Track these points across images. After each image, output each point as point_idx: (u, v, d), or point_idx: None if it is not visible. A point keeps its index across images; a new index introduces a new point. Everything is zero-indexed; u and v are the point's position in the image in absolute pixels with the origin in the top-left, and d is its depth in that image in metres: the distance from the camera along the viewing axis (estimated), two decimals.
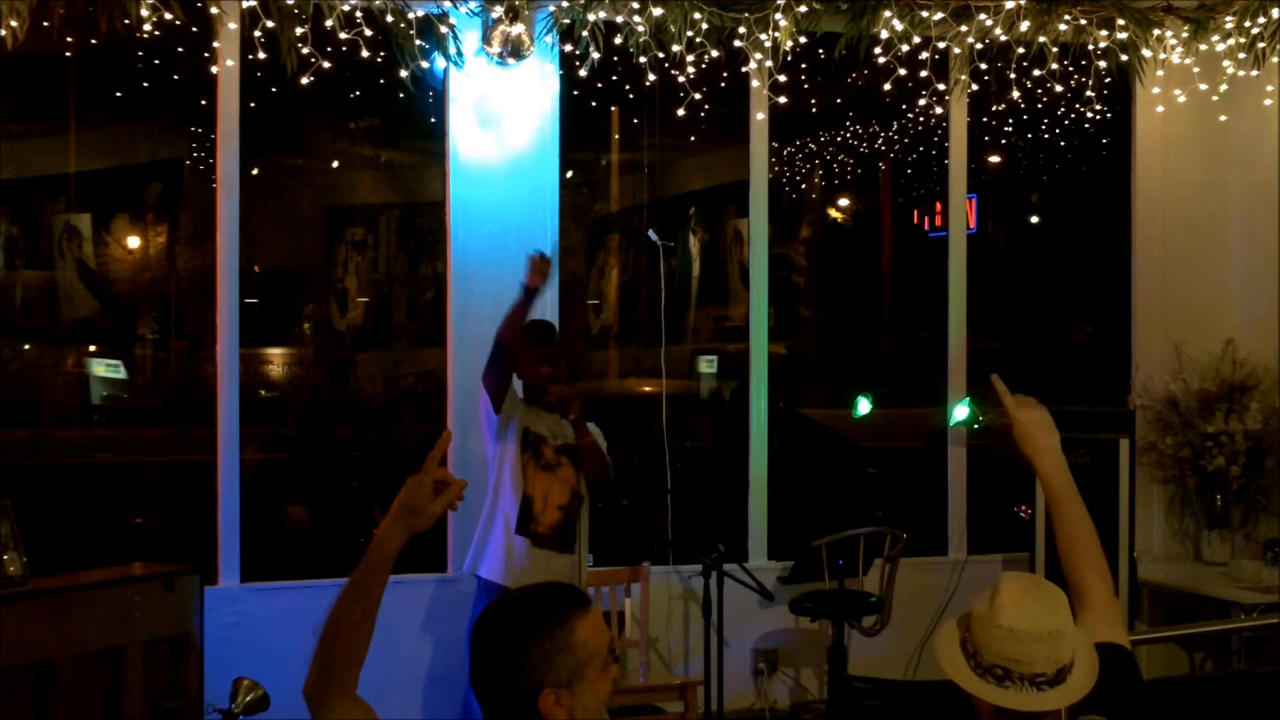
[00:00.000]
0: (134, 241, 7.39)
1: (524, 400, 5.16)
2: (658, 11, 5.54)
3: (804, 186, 8.67)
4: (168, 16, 5.03)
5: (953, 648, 2.32)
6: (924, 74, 5.79)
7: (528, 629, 2.16)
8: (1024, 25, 5.81)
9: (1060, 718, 2.29)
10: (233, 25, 5.22)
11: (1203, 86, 6.27)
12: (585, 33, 5.56)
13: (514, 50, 5.61)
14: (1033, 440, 2.65)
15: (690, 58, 5.61)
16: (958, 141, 6.60)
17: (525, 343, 5.13)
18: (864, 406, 6.64)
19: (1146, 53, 6.13)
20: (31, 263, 7.21)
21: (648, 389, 7.22)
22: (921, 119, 7.11)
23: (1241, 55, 6.12)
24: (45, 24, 5.05)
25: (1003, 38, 5.94)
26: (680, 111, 5.70)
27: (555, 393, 5.04)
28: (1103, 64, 6.04)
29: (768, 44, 5.66)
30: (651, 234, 6.35)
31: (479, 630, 2.21)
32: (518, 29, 5.56)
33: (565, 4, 5.58)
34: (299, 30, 5.14)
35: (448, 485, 2.27)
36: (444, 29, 5.47)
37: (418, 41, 5.38)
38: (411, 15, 5.36)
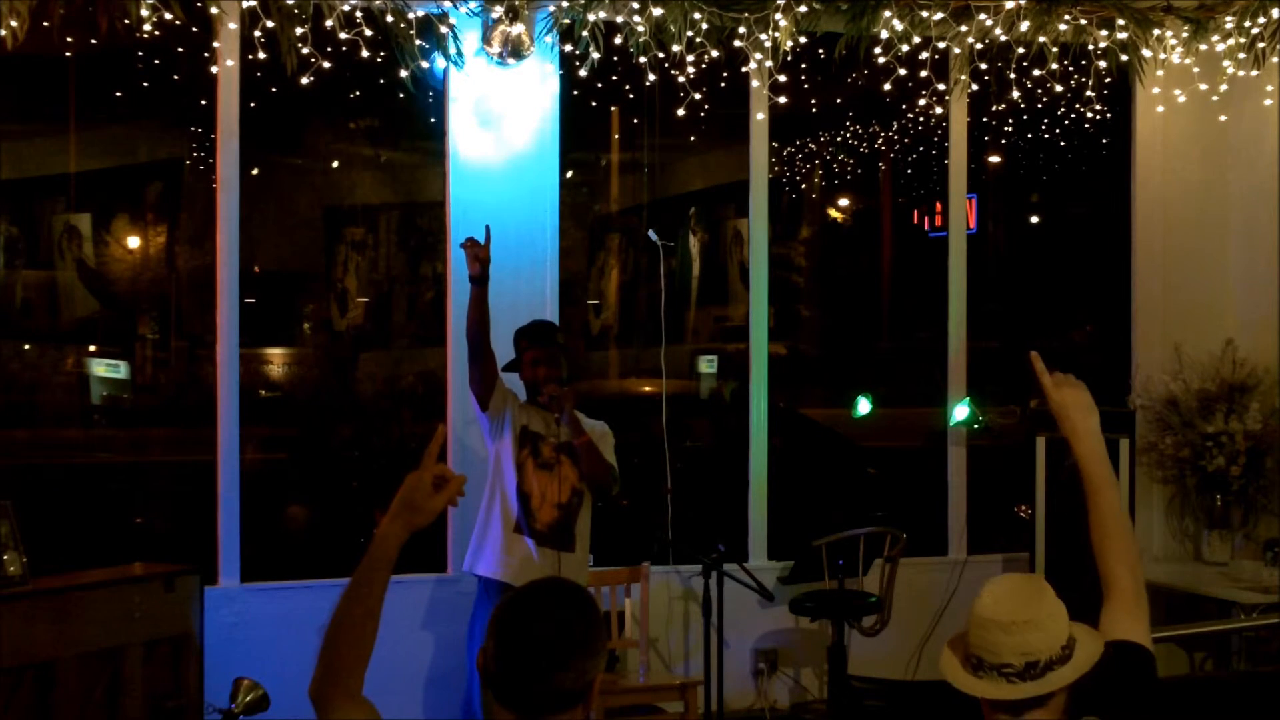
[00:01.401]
0: (134, 241, 7.39)
1: (525, 398, 5.16)
2: (658, 11, 5.54)
3: (804, 186, 8.67)
4: (168, 16, 5.03)
5: (956, 644, 2.36)
6: (924, 74, 5.79)
7: (596, 621, 2.12)
8: (1024, 25, 5.81)
9: (1060, 717, 2.30)
10: (233, 25, 5.22)
11: (1203, 86, 6.27)
12: (585, 33, 5.56)
13: (514, 50, 5.61)
14: (1070, 422, 2.59)
15: (690, 58, 5.61)
16: (958, 141, 6.60)
17: (523, 341, 5.12)
18: (864, 406, 6.64)
19: (1146, 53, 6.13)
20: (31, 263, 7.21)
21: (648, 389, 7.23)
22: (921, 119, 7.11)
23: (1241, 55, 6.12)
24: (45, 24, 5.05)
25: (1003, 38, 5.94)
26: (680, 111, 5.70)
27: (547, 393, 5.02)
28: (1103, 64, 6.04)
29: (768, 44, 5.66)
30: (651, 234, 6.35)
31: (532, 635, 2.07)
32: (518, 29, 5.56)
33: (565, 4, 5.58)
34: (299, 30, 5.14)
35: (447, 481, 2.26)
36: (444, 29, 5.47)
37: (418, 41, 5.38)
38: (411, 15, 5.36)
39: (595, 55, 5.59)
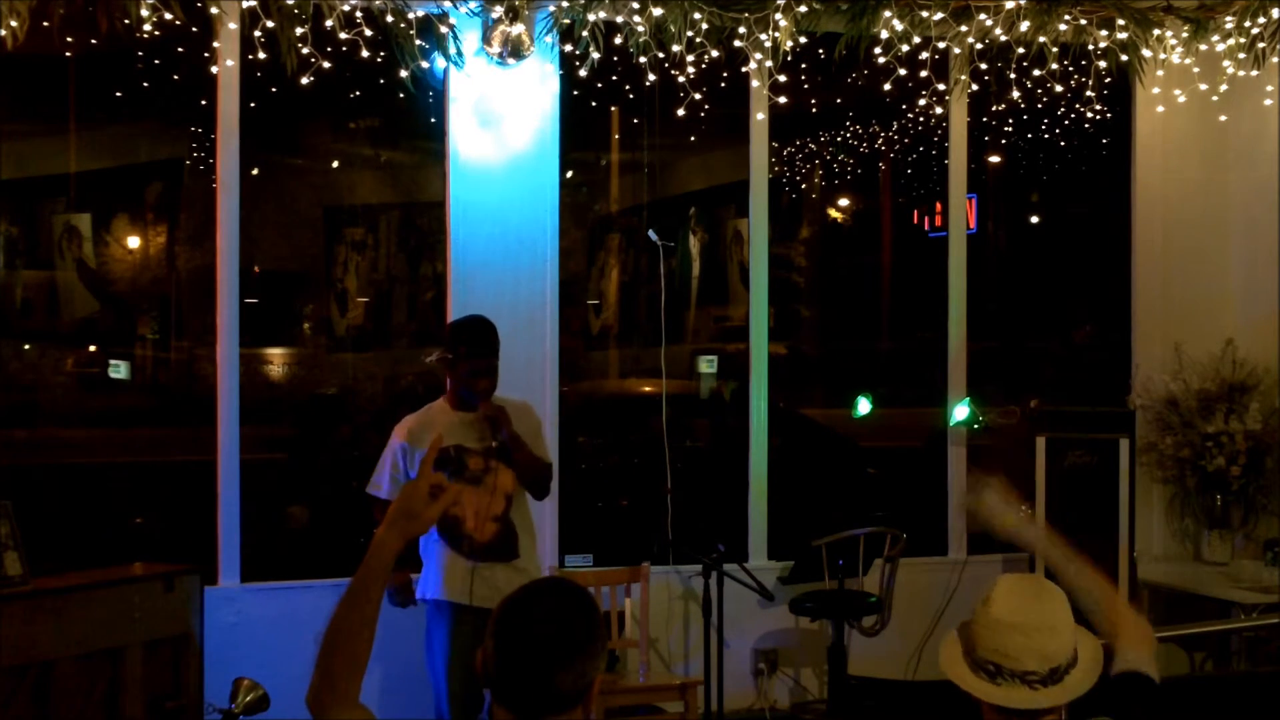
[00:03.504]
0: (134, 241, 7.39)
1: (446, 407, 4.90)
2: (658, 11, 5.54)
3: (804, 186, 8.66)
4: (168, 16, 5.03)
5: (953, 647, 2.34)
6: (924, 74, 5.79)
7: (596, 622, 2.12)
8: (1024, 25, 5.81)
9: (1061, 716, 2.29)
10: (233, 25, 5.22)
11: (1203, 86, 6.27)
12: (585, 33, 5.56)
13: (514, 50, 5.61)
14: (999, 524, 2.62)
15: (690, 58, 5.61)
16: (958, 141, 6.60)
17: (462, 348, 4.78)
18: (864, 406, 6.65)
19: (1146, 53, 6.13)
20: (31, 263, 7.21)
21: (648, 389, 7.22)
22: (921, 119, 7.10)
23: (1241, 55, 6.12)
24: (45, 24, 5.05)
25: (1003, 38, 5.94)
26: (680, 111, 5.70)
27: (484, 412, 4.74)
28: (1103, 64, 6.04)
29: (768, 44, 5.66)
30: (651, 234, 6.35)
31: (532, 635, 2.05)
32: (518, 29, 5.56)
33: (565, 4, 5.58)
34: (299, 30, 5.14)
35: (443, 489, 2.27)
36: (444, 29, 5.47)
37: (418, 41, 5.38)
38: (411, 15, 5.36)
39: (595, 55, 5.59)
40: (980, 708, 2.30)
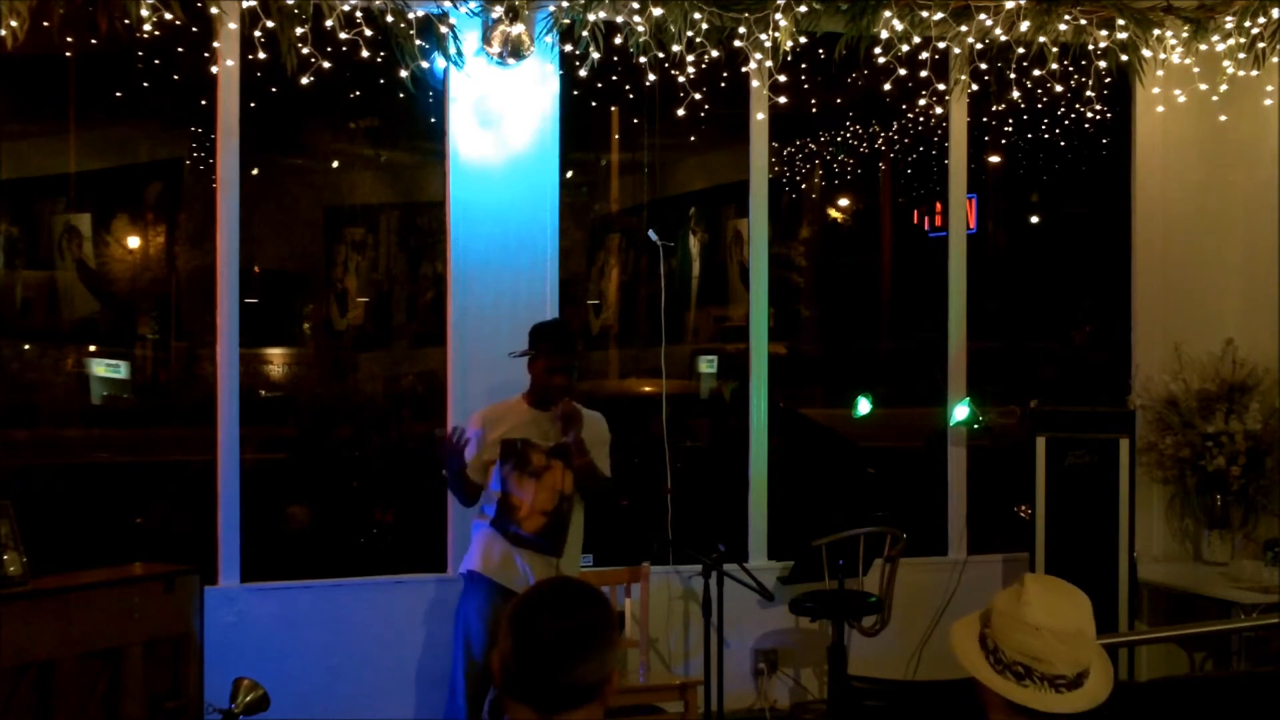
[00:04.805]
0: (134, 241, 7.39)
1: (525, 389, 5.13)
2: (658, 11, 5.54)
3: (804, 186, 8.66)
4: (168, 16, 5.03)
5: (971, 642, 2.32)
6: (924, 74, 5.79)
7: (610, 615, 2.14)
8: (1024, 25, 5.81)
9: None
10: (233, 25, 5.22)
11: (1203, 86, 6.28)
12: (585, 33, 5.56)
13: (514, 50, 5.61)
14: None
15: (690, 58, 5.61)
16: (958, 141, 6.60)
17: (544, 344, 5.08)
18: (864, 406, 6.65)
19: (1146, 53, 6.13)
20: (31, 263, 7.21)
21: (648, 389, 7.22)
22: (921, 119, 7.11)
23: (1241, 55, 6.12)
24: (45, 24, 5.05)
25: (1003, 38, 5.94)
26: (680, 111, 5.70)
27: (561, 409, 4.98)
28: (1103, 64, 6.04)
29: (768, 44, 5.66)
30: (651, 234, 6.35)
31: (552, 629, 2.07)
32: (518, 29, 5.56)
33: (565, 4, 5.58)
34: (299, 30, 5.14)
35: None
36: (444, 29, 5.47)
37: (418, 41, 5.38)
38: (411, 15, 5.36)
39: (595, 55, 5.59)
40: (986, 708, 2.30)
